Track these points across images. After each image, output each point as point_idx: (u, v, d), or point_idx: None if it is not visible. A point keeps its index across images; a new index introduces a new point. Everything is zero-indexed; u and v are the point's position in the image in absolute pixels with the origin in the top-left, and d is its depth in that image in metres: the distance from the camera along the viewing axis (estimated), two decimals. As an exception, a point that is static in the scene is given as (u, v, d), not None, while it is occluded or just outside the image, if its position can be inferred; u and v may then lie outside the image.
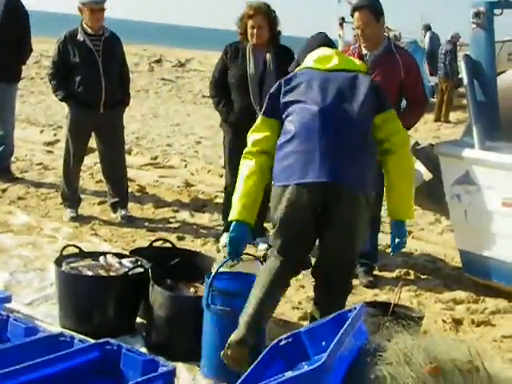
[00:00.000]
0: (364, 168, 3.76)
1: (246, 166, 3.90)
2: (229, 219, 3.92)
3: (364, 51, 5.17)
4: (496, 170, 4.88)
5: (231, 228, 3.85)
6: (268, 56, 5.63)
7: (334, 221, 3.65)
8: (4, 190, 7.20)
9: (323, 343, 3.07)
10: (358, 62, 4.20)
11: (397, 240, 3.93)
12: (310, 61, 4.01)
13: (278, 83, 4.01)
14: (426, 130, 14.39)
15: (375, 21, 5.05)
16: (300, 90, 3.89)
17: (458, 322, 4.69)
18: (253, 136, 3.94)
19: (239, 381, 3.01)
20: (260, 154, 3.88)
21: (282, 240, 3.78)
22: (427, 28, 18.44)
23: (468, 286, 5.25)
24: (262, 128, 3.92)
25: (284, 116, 3.86)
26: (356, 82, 3.93)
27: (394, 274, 5.53)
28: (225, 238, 5.98)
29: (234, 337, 3.45)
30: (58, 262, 4.25)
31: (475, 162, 4.97)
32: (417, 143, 5.60)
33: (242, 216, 3.86)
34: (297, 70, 4.06)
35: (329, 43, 4.15)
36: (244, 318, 3.51)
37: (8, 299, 4.17)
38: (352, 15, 5.20)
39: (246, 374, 3.05)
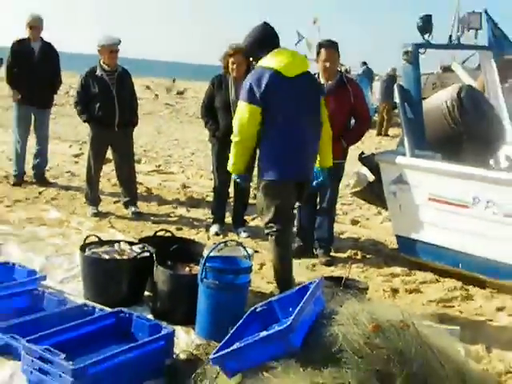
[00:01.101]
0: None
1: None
2: (237, 171, 4.19)
3: (322, 81, 5.16)
4: (423, 172, 4.89)
5: (240, 177, 4.24)
6: (246, 85, 5.60)
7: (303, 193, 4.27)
8: (40, 192, 7.12)
9: (290, 309, 3.05)
10: (303, 58, 4.26)
11: (321, 179, 4.38)
12: (275, 63, 3.95)
13: (249, 86, 3.93)
14: (369, 143, 14.40)
15: (337, 57, 5.10)
16: (275, 101, 3.92)
17: (395, 291, 4.71)
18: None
19: (225, 339, 2.99)
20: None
21: (278, 217, 4.10)
22: (363, 63, 18.58)
23: (403, 263, 5.26)
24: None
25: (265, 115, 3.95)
26: (312, 83, 4.18)
27: (346, 255, 5.53)
28: (214, 228, 5.97)
29: None
30: (82, 248, 4.22)
31: (407, 167, 4.98)
32: (362, 152, 5.60)
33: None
34: (262, 66, 3.98)
35: (278, 40, 4.11)
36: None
37: (43, 278, 4.14)
38: (318, 52, 5.18)
39: (230, 333, 3.04)
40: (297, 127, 4.02)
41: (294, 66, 4.02)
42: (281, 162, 4.03)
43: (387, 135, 15.97)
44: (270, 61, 3.99)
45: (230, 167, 4.21)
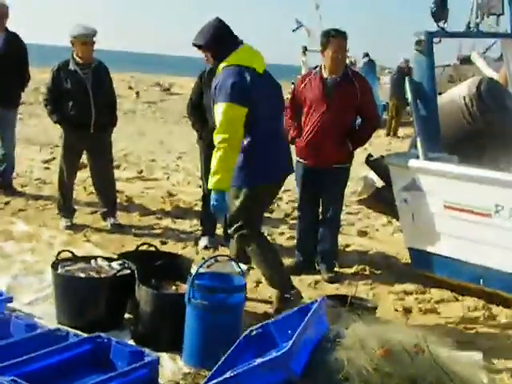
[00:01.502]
0: None
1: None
2: (220, 187, 4.10)
3: (325, 75, 5.19)
4: (438, 177, 4.92)
5: (220, 196, 4.11)
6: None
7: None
8: (7, 203, 7.12)
9: (289, 332, 3.07)
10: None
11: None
12: (249, 60, 4.18)
13: (232, 85, 4.04)
14: (378, 144, 14.47)
15: (346, 47, 5.16)
16: (257, 100, 4.10)
17: (407, 311, 4.73)
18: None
19: (216, 366, 3.01)
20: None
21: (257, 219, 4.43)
22: (365, 55, 18.68)
23: (416, 279, 5.27)
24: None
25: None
26: (274, 79, 4.40)
27: (352, 270, 5.54)
28: (203, 241, 5.98)
29: None
30: (55, 265, 4.22)
31: (420, 171, 5.00)
32: (370, 155, 5.63)
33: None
34: (238, 64, 4.13)
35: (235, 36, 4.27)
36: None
37: (10, 300, 4.12)
38: (327, 41, 5.15)
39: (221, 360, 3.05)
40: (274, 125, 4.33)
41: (261, 63, 4.29)
42: (268, 163, 4.22)
43: (396, 136, 16.01)
44: (243, 58, 4.18)
45: (212, 182, 4.10)
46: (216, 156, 4.07)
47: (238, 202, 4.24)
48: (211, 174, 4.11)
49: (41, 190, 7.84)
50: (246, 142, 4.14)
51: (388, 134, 16.00)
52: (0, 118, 7.35)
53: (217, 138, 4.07)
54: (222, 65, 4.16)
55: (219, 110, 4.06)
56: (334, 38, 5.13)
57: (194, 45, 4.29)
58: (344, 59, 5.23)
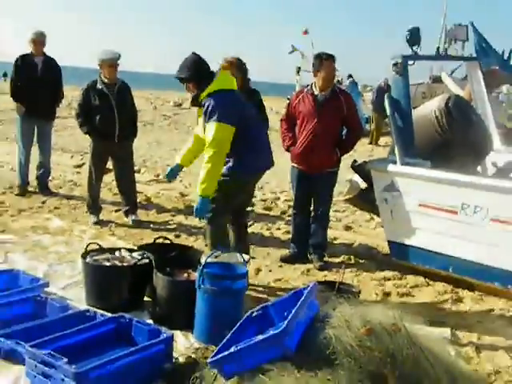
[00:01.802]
0: None
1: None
2: (206, 194, 4.16)
3: (316, 92, 5.19)
4: (413, 179, 4.90)
5: (205, 202, 4.16)
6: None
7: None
8: (44, 202, 7.11)
9: (285, 313, 3.05)
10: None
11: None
12: (229, 84, 4.31)
13: (222, 107, 4.12)
14: (362, 151, 14.45)
15: (335, 68, 5.15)
16: (242, 116, 4.22)
17: (387, 295, 4.71)
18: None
19: (222, 342, 3.00)
20: None
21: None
22: (349, 76, 18.68)
23: (395, 268, 5.24)
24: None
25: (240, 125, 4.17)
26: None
27: (339, 260, 5.52)
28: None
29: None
30: (84, 255, 4.22)
31: (397, 174, 4.99)
32: (355, 160, 5.61)
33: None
34: (222, 89, 4.21)
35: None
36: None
37: (46, 285, 4.14)
38: (319, 63, 5.15)
39: (227, 337, 3.04)
40: (261, 130, 4.55)
41: (236, 85, 4.43)
42: (259, 156, 4.38)
43: (378, 144, 15.99)
44: (225, 83, 4.28)
45: (200, 189, 4.16)
46: (205, 167, 4.13)
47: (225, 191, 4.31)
48: (200, 183, 4.17)
49: (73, 191, 7.83)
50: (236, 147, 4.19)
51: (371, 143, 15.98)
52: (38, 129, 7.38)
53: (207, 152, 4.13)
54: (208, 91, 4.20)
55: (211, 128, 4.12)
56: (326, 61, 5.13)
57: (177, 78, 4.33)
58: (333, 78, 5.22)
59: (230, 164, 4.27)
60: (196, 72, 4.23)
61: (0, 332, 3.26)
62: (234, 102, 4.23)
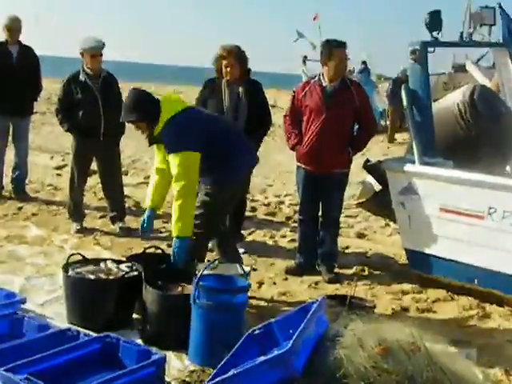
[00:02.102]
0: None
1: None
2: (184, 234, 4.20)
3: (324, 83, 5.19)
4: (433, 181, 4.91)
5: (183, 243, 4.20)
6: (240, 89, 5.63)
7: None
8: (20, 208, 7.13)
9: (290, 331, 3.06)
10: None
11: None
12: (180, 106, 4.38)
13: (184, 135, 4.24)
14: (376, 149, 14.46)
15: (347, 57, 5.16)
16: (203, 132, 4.33)
17: (405, 310, 4.71)
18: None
19: (220, 364, 3.00)
20: None
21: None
22: (363, 63, 18.71)
23: (413, 280, 5.24)
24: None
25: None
26: None
27: (351, 271, 5.53)
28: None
29: None
30: (65, 268, 4.22)
31: (416, 175, 4.99)
32: (368, 160, 5.62)
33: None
34: (175, 115, 4.29)
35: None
36: None
37: (23, 301, 4.13)
38: (328, 52, 5.17)
39: (225, 359, 3.05)
40: (229, 134, 4.61)
41: (180, 100, 4.60)
42: (239, 160, 4.47)
43: (393, 141, 15.90)
44: (171, 107, 4.35)
45: (176, 230, 4.19)
46: (177, 204, 4.18)
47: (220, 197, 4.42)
48: (174, 222, 4.21)
49: (53, 196, 7.84)
50: (208, 165, 4.31)
51: (390, 141, 15.81)
52: (13, 127, 7.39)
53: (176, 187, 4.20)
54: (161, 125, 4.28)
55: (174, 161, 4.19)
56: (337, 49, 5.14)
57: (128, 121, 4.44)
58: (345, 68, 5.23)
59: (215, 176, 4.38)
60: (142, 111, 4.31)
61: (-30, 354, 3.25)
62: (190, 123, 4.30)
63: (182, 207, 4.17)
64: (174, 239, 4.22)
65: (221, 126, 4.62)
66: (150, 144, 4.47)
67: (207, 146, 4.27)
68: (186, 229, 4.20)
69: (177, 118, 4.28)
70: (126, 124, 6.54)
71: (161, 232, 6.53)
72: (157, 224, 6.75)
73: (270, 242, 6.37)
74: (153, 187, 4.60)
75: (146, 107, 4.32)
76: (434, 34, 5.17)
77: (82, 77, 6.15)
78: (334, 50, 5.14)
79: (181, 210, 4.17)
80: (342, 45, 5.18)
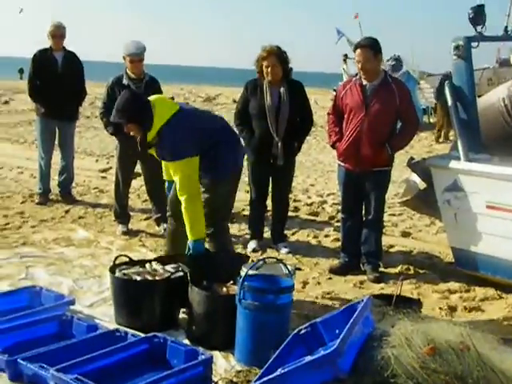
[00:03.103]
0: None
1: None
2: (199, 237, 4.31)
3: (364, 82, 5.16)
4: (479, 177, 4.83)
5: (199, 245, 4.32)
6: (282, 90, 5.64)
7: None
8: (67, 211, 7.25)
9: (337, 331, 3.05)
10: None
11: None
12: (173, 107, 4.40)
13: (181, 142, 4.28)
14: (420, 147, 14.31)
15: (373, 57, 5.05)
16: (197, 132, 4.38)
17: (452, 309, 4.64)
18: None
19: (266, 364, 3.01)
20: None
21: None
22: (394, 59, 18.37)
23: (460, 278, 5.17)
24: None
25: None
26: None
27: (396, 270, 5.47)
28: (252, 244, 5.99)
29: None
30: (112, 269, 4.27)
31: (461, 172, 4.92)
32: (412, 158, 5.56)
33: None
34: (170, 119, 4.30)
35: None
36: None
37: (72, 302, 4.22)
38: (354, 52, 5.21)
39: (272, 359, 3.05)
40: (223, 128, 4.65)
41: (171, 101, 4.69)
42: (232, 153, 4.56)
43: (439, 141, 15.53)
44: (164, 111, 4.34)
45: (193, 234, 4.31)
46: (187, 212, 4.29)
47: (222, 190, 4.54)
48: (188, 229, 4.32)
49: (99, 199, 7.96)
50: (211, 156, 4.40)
51: (437, 140, 15.39)
52: (60, 131, 7.51)
53: (181, 195, 4.31)
54: (155, 130, 4.30)
55: (176, 170, 4.30)
56: (358, 50, 5.12)
57: (118, 122, 4.44)
58: (370, 67, 5.13)
59: (210, 174, 4.45)
60: (133, 112, 4.30)
61: (22, 355, 3.32)
62: (184, 127, 4.31)
63: (193, 213, 4.30)
64: (191, 243, 4.33)
65: (211, 123, 4.62)
66: (142, 149, 4.51)
67: (201, 146, 4.35)
68: (200, 232, 4.35)
69: (170, 124, 4.29)
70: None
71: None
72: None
73: (314, 242, 6.35)
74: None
75: (136, 109, 4.31)
76: (478, 28, 5.10)
77: (125, 80, 6.22)
78: (356, 50, 5.14)
79: (192, 216, 4.30)
80: (363, 45, 5.14)
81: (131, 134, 4.47)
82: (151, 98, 4.49)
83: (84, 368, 3.15)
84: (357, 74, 5.34)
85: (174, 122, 4.31)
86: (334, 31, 19.68)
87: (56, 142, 7.62)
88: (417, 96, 16.32)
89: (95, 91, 18.28)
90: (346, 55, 18.57)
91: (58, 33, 7.33)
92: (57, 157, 7.77)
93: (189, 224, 4.31)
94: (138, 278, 4.19)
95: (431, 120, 16.27)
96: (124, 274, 4.22)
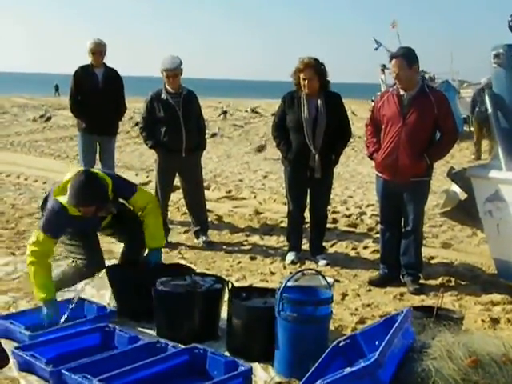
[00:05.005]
0: None
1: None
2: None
3: (401, 92, 5.15)
4: (522, 187, 4.77)
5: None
6: (319, 102, 5.66)
7: None
8: (108, 224, 7.35)
9: (376, 343, 3.04)
10: None
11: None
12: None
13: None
14: (461, 156, 14.15)
15: (408, 67, 5.04)
16: None
17: (495, 321, 4.57)
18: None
19: (306, 376, 3.01)
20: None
21: None
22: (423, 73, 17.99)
23: (503, 290, 5.09)
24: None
25: None
26: None
27: (437, 282, 5.42)
28: (290, 256, 6.00)
29: None
30: (153, 281, 4.33)
31: (503, 182, 4.86)
32: (452, 168, 5.52)
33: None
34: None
35: None
36: None
37: (114, 314, 4.29)
38: (390, 62, 5.21)
39: (311, 370, 3.06)
40: None
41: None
42: None
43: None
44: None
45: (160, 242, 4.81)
46: (158, 223, 4.78)
47: None
48: (160, 236, 4.82)
49: (138, 212, 8.05)
50: None
51: (478, 158, 13.90)
52: (100, 146, 7.64)
53: (153, 210, 4.70)
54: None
55: (139, 199, 4.66)
56: (394, 59, 5.12)
57: (90, 206, 4.26)
58: (407, 77, 5.10)
59: None
60: (103, 193, 4.30)
61: (66, 365, 3.39)
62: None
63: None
64: (156, 251, 4.66)
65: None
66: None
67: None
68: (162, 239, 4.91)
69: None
70: (207, 139, 6.74)
71: (243, 245, 6.59)
72: (239, 237, 6.86)
73: (353, 254, 6.33)
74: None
75: (104, 189, 4.33)
76: (518, 36, 5.04)
77: (163, 95, 6.32)
78: (392, 60, 5.14)
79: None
80: (397, 54, 5.14)
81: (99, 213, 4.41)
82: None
83: (126, 379, 3.21)
84: (394, 85, 5.33)
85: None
86: (371, 41, 19.61)
87: (97, 157, 7.77)
88: (456, 105, 16.14)
89: (133, 106, 18.54)
90: (384, 65, 18.48)
91: (98, 50, 7.47)
92: (98, 171, 7.89)
93: (160, 234, 4.79)
94: (179, 291, 4.23)
95: (471, 129, 16.02)
96: (164, 286, 4.27)
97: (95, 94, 7.38)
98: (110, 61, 7.66)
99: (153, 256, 4.66)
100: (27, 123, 21.50)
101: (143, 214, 4.61)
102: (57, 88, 43.10)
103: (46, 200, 4.52)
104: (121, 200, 4.65)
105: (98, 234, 4.82)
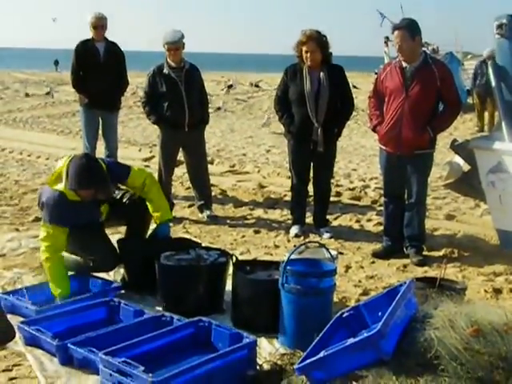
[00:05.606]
0: None
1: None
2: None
3: (404, 64, 5.12)
4: (525, 158, 4.77)
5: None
6: (322, 75, 5.63)
7: None
8: (111, 200, 7.37)
9: (379, 313, 3.05)
10: None
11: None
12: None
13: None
14: (464, 129, 14.09)
15: (411, 39, 5.00)
16: None
17: (497, 292, 4.60)
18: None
19: (310, 347, 3.04)
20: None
21: None
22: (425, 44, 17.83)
23: (506, 260, 5.11)
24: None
25: None
26: None
27: (440, 253, 5.43)
28: (294, 230, 6.02)
29: None
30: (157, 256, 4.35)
31: (506, 153, 4.86)
32: (455, 140, 5.52)
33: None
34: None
35: None
36: None
37: (119, 288, 4.32)
38: (393, 33, 5.17)
39: (315, 341, 3.08)
40: None
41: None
42: None
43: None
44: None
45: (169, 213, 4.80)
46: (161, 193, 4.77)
47: None
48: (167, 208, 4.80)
49: (142, 187, 8.06)
50: None
51: (481, 130, 13.86)
52: (103, 121, 7.63)
53: (153, 183, 4.73)
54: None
55: (138, 176, 4.62)
56: (396, 31, 5.07)
57: (91, 188, 4.22)
58: (410, 49, 5.06)
59: None
60: (103, 177, 4.27)
61: (72, 339, 3.43)
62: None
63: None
64: (164, 225, 4.70)
65: None
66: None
67: None
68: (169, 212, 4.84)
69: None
70: (209, 112, 6.72)
71: (247, 219, 6.61)
72: (243, 211, 6.88)
73: (356, 226, 6.35)
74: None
75: (103, 172, 4.31)
76: (522, 5, 5.01)
77: (165, 69, 6.29)
78: (394, 31, 5.10)
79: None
80: (399, 26, 5.10)
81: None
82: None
83: (131, 352, 3.22)
84: (397, 57, 5.30)
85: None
86: (375, 13, 19.45)
87: (100, 132, 7.75)
88: (460, 77, 16.02)
89: (136, 81, 18.45)
90: (387, 38, 18.34)
91: (100, 23, 7.42)
92: (101, 146, 7.89)
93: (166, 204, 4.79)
94: (183, 264, 4.25)
95: (475, 101, 15.90)
96: (169, 260, 4.29)
97: (97, 69, 7.35)
98: (110, 35, 7.63)
99: (161, 230, 4.67)
100: (28, 99, 21.42)
101: (145, 190, 4.57)
102: (56, 63, 42.82)
103: (41, 197, 4.45)
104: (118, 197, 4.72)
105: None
